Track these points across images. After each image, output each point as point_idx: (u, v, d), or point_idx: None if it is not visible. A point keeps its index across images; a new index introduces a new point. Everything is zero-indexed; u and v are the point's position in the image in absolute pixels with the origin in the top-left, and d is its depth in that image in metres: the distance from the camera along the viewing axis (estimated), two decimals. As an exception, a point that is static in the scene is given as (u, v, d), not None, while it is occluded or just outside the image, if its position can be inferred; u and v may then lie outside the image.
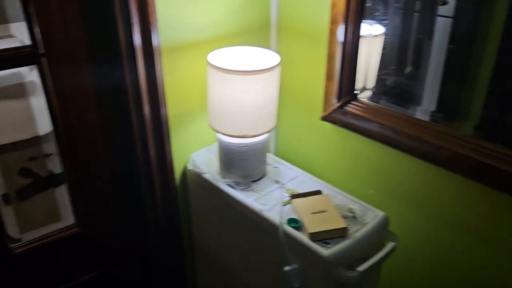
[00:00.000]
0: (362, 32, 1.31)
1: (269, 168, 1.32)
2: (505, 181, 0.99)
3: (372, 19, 1.53)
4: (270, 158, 1.38)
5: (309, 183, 1.26)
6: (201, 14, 1.24)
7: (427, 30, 1.90)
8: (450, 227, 1.18)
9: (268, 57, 1.19)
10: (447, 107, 1.52)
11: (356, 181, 1.36)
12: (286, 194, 1.22)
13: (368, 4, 1.17)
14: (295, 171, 1.32)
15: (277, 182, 1.27)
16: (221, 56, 1.20)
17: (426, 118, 1.39)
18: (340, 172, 1.39)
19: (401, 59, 1.92)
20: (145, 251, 1.46)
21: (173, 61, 1.22)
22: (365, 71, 1.36)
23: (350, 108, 1.23)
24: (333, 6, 1.15)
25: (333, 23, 1.17)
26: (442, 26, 1.77)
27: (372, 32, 1.33)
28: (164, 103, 1.23)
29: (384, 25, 1.63)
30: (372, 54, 1.35)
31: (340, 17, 1.14)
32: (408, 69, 1.93)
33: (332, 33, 1.18)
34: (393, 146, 1.18)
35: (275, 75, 1.15)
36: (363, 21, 1.44)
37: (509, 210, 1.05)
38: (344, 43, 1.17)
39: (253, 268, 1.27)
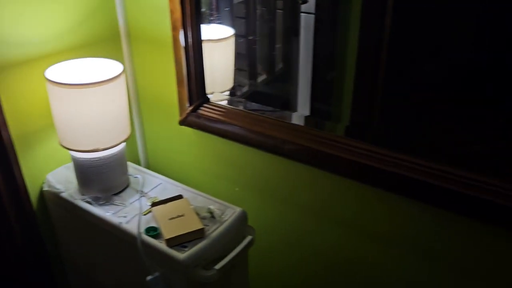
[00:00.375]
0: (213, 36, 1.35)
1: (132, 179, 1.31)
2: (343, 167, 1.08)
3: (221, 22, 1.57)
4: (133, 168, 1.36)
5: (172, 189, 1.27)
6: (36, 28, 1.18)
7: (292, 28, 1.99)
8: (301, 211, 1.27)
9: (113, 68, 1.17)
10: (319, 110, 1.59)
11: (222, 181, 1.40)
12: (148, 203, 1.21)
13: (203, 9, 1.20)
14: (159, 178, 1.32)
15: (139, 192, 1.26)
16: (62, 71, 1.15)
17: (301, 122, 1.45)
18: (206, 174, 1.42)
19: (264, 59, 2.00)
20: (8, 284, 1.36)
21: (9, 79, 1.15)
22: (219, 73, 1.39)
23: (203, 111, 1.26)
24: (171, 13, 1.17)
25: (174, 29, 1.18)
26: (306, 23, 1.87)
27: (222, 35, 1.37)
28: (5, 125, 1.15)
29: (235, 27, 1.67)
30: (223, 57, 1.39)
31: (179, 23, 1.16)
32: (277, 69, 2.01)
33: (175, 39, 1.20)
34: (246, 143, 1.23)
35: (119, 85, 1.13)
36: (213, 24, 1.47)
37: (348, 192, 1.15)
38: (187, 48, 1.19)
39: (122, 281, 1.25)
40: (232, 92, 1.56)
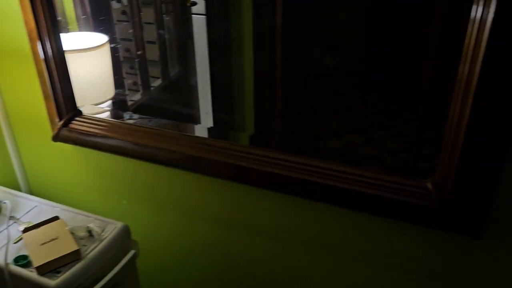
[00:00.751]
0: (82, 45, 1.28)
1: (1, 205, 1.20)
2: (213, 169, 1.08)
3: (95, 29, 1.50)
4: (3, 192, 1.25)
5: (49, 210, 1.19)
6: None
7: (184, 30, 1.95)
8: (195, 218, 1.25)
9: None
10: (221, 121, 1.55)
11: (109, 195, 1.34)
12: (21, 229, 1.12)
13: (59, 18, 1.13)
14: (33, 201, 1.23)
15: (11, 218, 1.16)
16: None
17: (204, 133, 1.40)
18: (91, 190, 1.35)
19: (158, 64, 1.94)
20: None
21: None
22: (93, 84, 1.32)
23: (75, 125, 1.19)
24: (26, 23, 1.09)
25: (31, 40, 1.11)
26: (198, 25, 1.84)
27: (93, 43, 1.31)
28: None
29: (110, 34, 1.61)
30: (96, 66, 1.33)
31: (35, 34, 1.08)
32: (174, 73, 1.96)
33: (34, 52, 1.12)
34: (126, 155, 1.18)
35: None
36: (83, 32, 1.40)
37: (219, 192, 1.16)
38: (47, 60, 1.12)
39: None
40: (116, 101, 1.50)
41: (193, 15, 1.85)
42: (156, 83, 1.91)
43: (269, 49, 1.51)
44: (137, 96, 1.81)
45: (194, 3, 1.82)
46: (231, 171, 1.06)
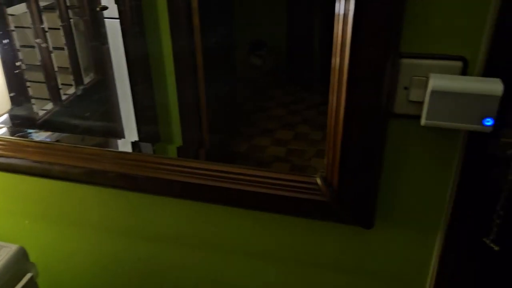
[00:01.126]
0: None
1: None
2: (114, 181, 1.04)
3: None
4: None
5: None
6: None
7: (97, 35, 1.86)
8: (106, 232, 1.20)
9: None
10: (147, 134, 1.49)
11: (10, 217, 1.26)
12: None
13: None
14: None
15: None
16: None
17: (128, 148, 1.32)
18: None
19: (67, 70, 1.84)
20: None
21: None
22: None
23: (-42, 143, 1.10)
24: None
25: None
26: (112, 29, 1.75)
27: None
28: None
29: (6, 42, 1.50)
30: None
31: None
32: (89, 81, 1.86)
33: None
34: (13, 172, 1.11)
35: None
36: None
37: (120, 201, 1.13)
38: None
39: None
40: (14, 116, 1.40)
41: (105, 19, 1.77)
42: (70, 91, 1.82)
43: (190, 54, 1.47)
44: (47, 107, 1.72)
45: (105, 8, 1.74)
46: (128, 182, 1.02)
